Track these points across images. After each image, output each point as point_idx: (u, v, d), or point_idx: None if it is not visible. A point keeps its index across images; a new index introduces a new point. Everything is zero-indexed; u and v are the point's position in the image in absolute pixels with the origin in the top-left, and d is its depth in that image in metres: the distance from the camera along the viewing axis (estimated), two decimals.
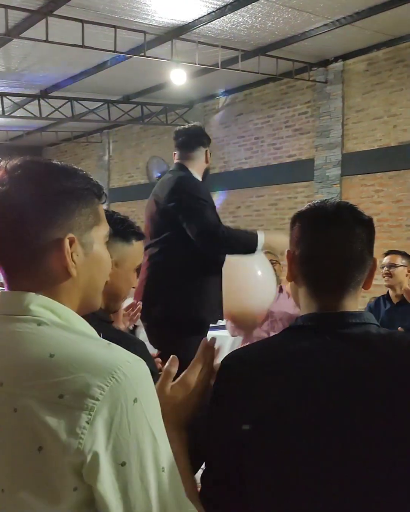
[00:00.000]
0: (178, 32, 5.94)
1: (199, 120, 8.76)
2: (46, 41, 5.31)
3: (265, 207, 7.94)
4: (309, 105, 7.52)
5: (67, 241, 0.75)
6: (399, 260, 3.43)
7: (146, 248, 2.32)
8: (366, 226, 0.99)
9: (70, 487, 0.66)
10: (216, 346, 0.96)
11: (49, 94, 8.28)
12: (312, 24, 5.90)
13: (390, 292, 3.49)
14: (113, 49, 5.70)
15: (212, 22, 5.69)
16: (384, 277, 3.42)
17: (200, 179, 2.58)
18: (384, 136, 6.65)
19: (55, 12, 5.24)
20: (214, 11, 5.48)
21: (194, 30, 5.89)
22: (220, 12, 5.45)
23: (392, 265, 3.40)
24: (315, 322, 0.95)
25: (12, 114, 8.69)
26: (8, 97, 8.20)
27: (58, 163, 0.79)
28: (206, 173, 2.64)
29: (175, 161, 2.57)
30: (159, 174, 2.67)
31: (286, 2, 5.28)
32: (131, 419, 0.67)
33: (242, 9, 5.37)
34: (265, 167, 7.96)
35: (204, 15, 5.58)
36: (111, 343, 0.74)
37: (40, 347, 0.70)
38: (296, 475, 0.85)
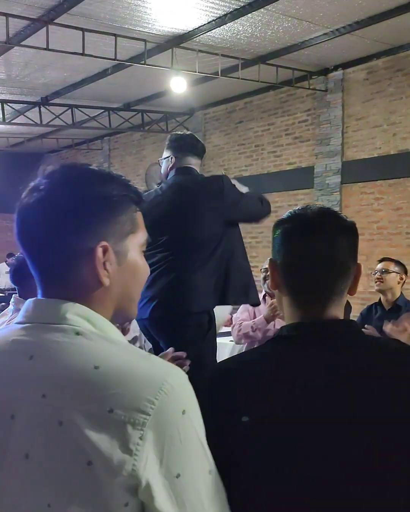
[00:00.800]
0: (178, 40, 5.98)
1: (200, 128, 8.80)
2: (47, 49, 5.34)
3: None
4: (309, 113, 7.55)
5: (100, 250, 0.73)
6: (392, 267, 3.49)
7: (155, 251, 2.19)
8: (348, 232, 0.97)
9: (122, 503, 0.65)
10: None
11: (50, 101, 8.31)
12: (312, 33, 5.93)
13: (382, 298, 3.54)
14: (113, 57, 5.73)
15: (212, 31, 5.72)
16: (376, 282, 3.47)
17: None
18: (383, 144, 6.66)
19: (56, 21, 5.27)
20: (214, 20, 5.51)
21: (194, 39, 5.92)
22: (220, 21, 5.48)
23: (385, 271, 3.45)
24: (298, 332, 0.93)
25: (13, 121, 8.73)
26: (9, 104, 8.23)
27: (96, 168, 0.77)
28: None
29: (181, 165, 2.41)
30: (160, 182, 2.54)
31: (286, 11, 5.30)
32: (181, 431, 0.66)
33: (242, 18, 5.40)
34: (265, 175, 7.97)
35: (204, 24, 5.61)
36: (149, 353, 0.73)
37: (83, 358, 0.68)
38: (282, 491, 0.84)
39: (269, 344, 0.97)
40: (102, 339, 0.71)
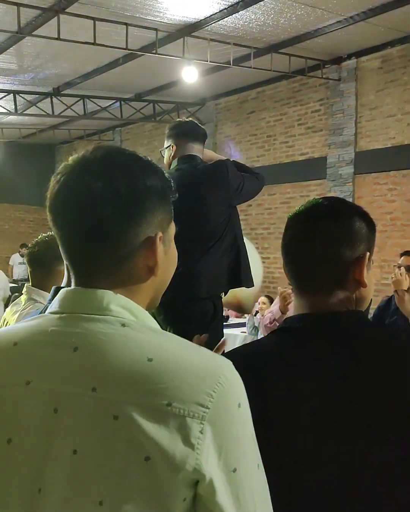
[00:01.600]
0: (190, 29, 5.93)
1: (211, 118, 8.75)
2: (58, 38, 5.33)
3: (277, 205, 7.90)
4: (322, 103, 7.47)
5: (158, 240, 0.73)
6: None
7: None
8: (348, 220, 0.95)
9: (180, 498, 0.63)
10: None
11: (62, 92, 8.31)
12: (325, 21, 5.85)
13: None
14: (125, 47, 5.70)
15: (223, 19, 5.67)
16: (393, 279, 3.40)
17: None
18: (397, 134, 6.58)
19: (67, 10, 5.25)
20: (225, 8, 5.46)
21: (206, 28, 5.87)
22: (232, 9, 5.42)
23: (409, 268, 3.38)
24: (303, 324, 0.93)
25: (25, 112, 8.74)
26: (21, 95, 8.25)
27: (142, 156, 0.75)
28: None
29: (183, 153, 2.35)
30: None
31: None
32: (238, 424, 0.65)
33: (254, 6, 5.34)
34: (277, 165, 7.93)
35: (216, 12, 5.56)
36: (197, 345, 0.71)
37: (134, 350, 0.66)
38: (287, 481, 0.84)
39: (273, 336, 0.96)
40: (149, 330, 0.69)
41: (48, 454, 0.66)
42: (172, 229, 0.78)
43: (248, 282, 2.36)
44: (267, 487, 0.69)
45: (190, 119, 2.54)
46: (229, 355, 0.95)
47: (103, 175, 0.70)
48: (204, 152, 2.44)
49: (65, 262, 0.75)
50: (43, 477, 0.66)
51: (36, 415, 0.67)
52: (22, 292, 2.06)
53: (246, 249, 2.39)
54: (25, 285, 2.06)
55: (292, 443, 0.84)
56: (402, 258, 3.48)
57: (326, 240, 0.93)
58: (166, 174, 0.76)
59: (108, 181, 0.70)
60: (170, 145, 2.39)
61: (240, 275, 2.32)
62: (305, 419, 0.85)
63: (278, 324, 3.36)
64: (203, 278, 2.24)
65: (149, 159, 0.76)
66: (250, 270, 2.37)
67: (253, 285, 2.40)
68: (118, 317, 0.69)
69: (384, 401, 0.87)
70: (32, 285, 2.02)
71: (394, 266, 3.53)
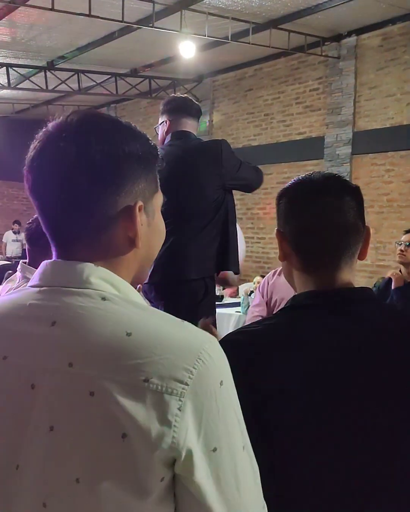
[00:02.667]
0: (188, 2, 5.79)
1: (208, 96, 8.63)
2: (52, 9, 5.19)
3: (273, 185, 7.84)
4: (320, 81, 7.36)
5: (137, 209, 0.69)
6: None
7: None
8: (355, 194, 0.96)
9: (158, 478, 0.61)
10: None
11: (56, 66, 8.14)
12: None
13: (403, 271, 3.47)
14: (121, 19, 5.57)
15: None
16: (398, 254, 3.40)
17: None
18: (396, 114, 6.51)
19: None
20: None
21: (204, 1, 5.74)
22: None
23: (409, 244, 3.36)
24: (312, 301, 0.91)
25: (18, 86, 8.58)
26: (14, 68, 8.07)
27: (123, 121, 0.72)
28: None
29: (176, 128, 2.32)
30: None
31: None
32: (219, 403, 0.63)
33: None
34: (274, 145, 7.85)
35: None
36: (181, 320, 0.68)
37: (113, 324, 0.63)
38: (303, 458, 0.83)
39: (281, 314, 0.94)
40: (130, 304, 0.67)
41: (26, 430, 0.64)
42: (157, 199, 0.74)
43: (235, 267, 2.37)
44: (255, 470, 0.67)
45: (185, 95, 2.50)
46: (238, 333, 0.94)
47: (79, 141, 0.67)
48: None
49: (45, 233, 0.72)
50: (20, 454, 0.64)
51: (13, 390, 0.65)
52: (17, 269, 2.03)
53: (236, 234, 2.37)
54: (20, 262, 2.03)
55: (298, 427, 0.83)
56: (405, 235, 3.46)
57: (346, 210, 0.93)
58: (151, 141, 0.72)
59: (83, 147, 0.66)
60: (164, 121, 2.36)
61: (228, 259, 2.31)
62: (323, 393, 0.84)
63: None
64: (193, 260, 2.22)
65: (132, 125, 0.72)
66: (238, 255, 2.36)
67: (239, 272, 2.40)
68: (98, 290, 0.67)
69: (401, 373, 0.87)
70: (29, 263, 1.98)
71: (395, 242, 3.51)
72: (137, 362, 0.61)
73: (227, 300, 6.15)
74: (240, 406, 0.67)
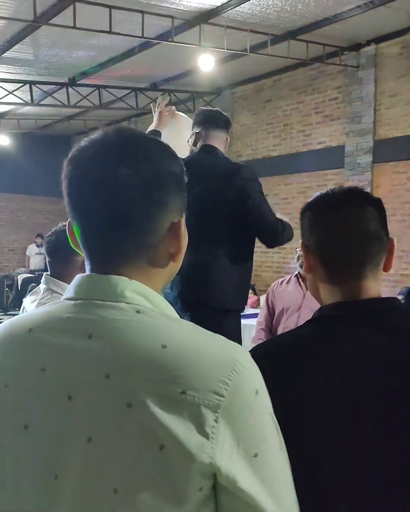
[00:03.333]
0: (206, 16, 5.86)
1: (227, 107, 8.68)
2: (74, 27, 5.30)
3: (293, 195, 7.83)
4: (340, 90, 7.35)
5: (183, 225, 0.72)
6: None
7: None
8: (377, 205, 0.98)
9: (196, 488, 0.62)
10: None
11: (77, 82, 8.30)
12: (344, 6, 5.73)
13: None
14: (141, 35, 5.66)
15: (240, 6, 5.58)
16: None
17: None
18: None
19: None
20: None
21: (222, 14, 5.80)
22: None
23: None
24: (339, 312, 0.91)
25: (41, 103, 8.75)
26: (37, 85, 8.25)
27: (161, 141, 0.75)
28: None
29: (204, 141, 2.36)
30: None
31: None
32: (256, 411, 0.64)
33: None
34: (293, 155, 7.84)
35: None
36: (212, 332, 0.69)
37: (148, 337, 0.64)
38: (331, 470, 0.83)
39: (309, 325, 0.94)
40: (164, 317, 0.68)
41: (63, 441, 0.65)
42: (184, 214, 0.77)
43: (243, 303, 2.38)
44: (289, 469, 0.68)
45: (216, 108, 2.57)
46: (264, 345, 0.94)
47: (128, 160, 0.68)
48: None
49: (82, 248, 0.73)
50: (58, 464, 0.65)
51: (51, 402, 0.66)
52: (41, 281, 2.06)
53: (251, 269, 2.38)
54: (44, 274, 2.06)
55: (328, 438, 0.83)
56: None
57: (369, 220, 0.94)
58: (180, 159, 0.75)
59: (134, 166, 0.68)
60: (193, 133, 2.41)
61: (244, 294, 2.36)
62: (350, 405, 0.83)
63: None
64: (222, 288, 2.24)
65: (165, 143, 0.74)
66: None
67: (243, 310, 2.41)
68: (132, 304, 0.68)
69: None
70: (51, 275, 2.01)
71: (404, 253, 3.46)
72: (174, 374, 0.62)
73: (249, 310, 6.13)
74: (273, 409, 0.68)
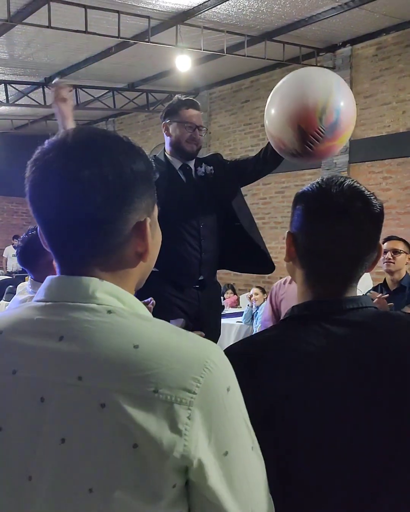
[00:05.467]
0: (183, 17, 5.86)
1: (205, 108, 8.68)
2: (49, 27, 5.25)
3: (272, 195, 7.87)
4: None
5: (148, 225, 0.71)
6: (401, 246, 3.44)
7: None
8: (377, 219, 0.92)
9: (170, 485, 0.63)
10: None
11: (54, 82, 8.21)
12: (320, 8, 5.79)
13: (387, 278, 3.50)
14: (117, 35, 5.63)
15: (217, 6, 5.60)
16: (385, 262, 3.42)
17: (171, 156, 2.40)
18: (392, 122, 6.55)
19: None
20: None
21: (199, 15, 5.80)
22: None
23: (395, 251, 3.40)
24: (312, 311, 0.91)
25: (17, 102, 8.64)
26: (12, 85, 8.14)
27: (124, 138, 0.73)
28: (178, 148, 2.38)
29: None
30: None
31: None
32: (227, 408, 0.65)
33: None
34: None
35: None
36: (184, 330, 0.70)
37: (120, 337, 0.65)
38: (305, 471, 0.83)
39: (283, 325, 0.94)
40: (135, 317, 0.68)
41: (37, 442, 0.65)
42: (156, 212, 0.76)
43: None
44: (263, 468, 0.69)
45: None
46: (237, 345, 0.94)
47: (89, 162, 0.67)
48: None
49: (50, 250, 0.73)
50: (33, 465, 0.66)
51: (23, 404, 0.66)
52: (27, 285, 2.04)
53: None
54: (30, 279, 2.04)
55: (304, 437, 0.83)
56: (386, 243, 3.50)
57: (363, 241, 0.91)
58: (148, 156, 0.74)
59: (95, 168, 0.67)
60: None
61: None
62: (321, 411, 0.84)
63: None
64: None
65: (131, 141, 0.73)
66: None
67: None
68: (104, 305, 0.68)
69: (401, 379, 0.87)
70: (35, 280, 1.99)
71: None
72: (146, 373, 0.62)
73: (229, 310, 6.14)
74: (245, 408, 0.68)
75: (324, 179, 0.94)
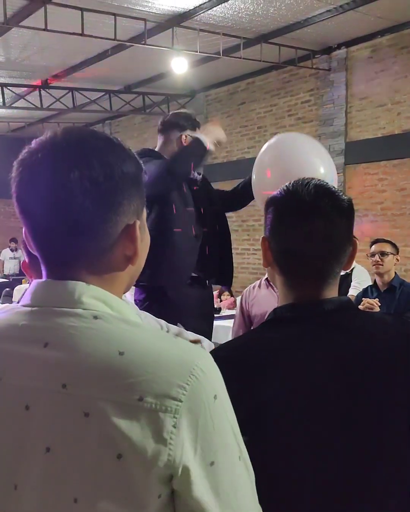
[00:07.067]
0: (179, 19, 5.88)
1: (201, 110, 8.71)
2: (46, 29, 5.26)
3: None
4: (312, 93, 7.44)
5: (137, 228, 0.70)
6: (388, 248, 3.48)
7: None
8: (346, 213, 0.92)
9: (155, 495, 0.61)
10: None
11: (50, 84, 8.22)
12: (315, 10, 5.81)
13: (377, 280, 3.53)
14: (113, 37, 5.64)
15: (213, 9, 5.62)
16: (374, 265, 3.46)
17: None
18: (388, 124, 6.57)
19: (54, 0, 5.18)
20: None
21: (195, 18, 5.82)
22: None
23: (383, 253, 3.44)
24: (294, 313, 0.91)
25: (13, 105, 8.64)
26: (9, 88, 8.15)
27: (114, 138, 0.71)
28: None
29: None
30: None
31: None
32: (214, 417, 0.63)
33: None
34: None
35: (205, 2, 5.50)
36: (174, 336, 0.69)
37: (105, 344, 0.63)
38: (293, 473, 0.83)
39: (265, 327, 0.94)
40: (122, 322, 0.66)
41: (22, 451, 0.64)
42: (144, 214, 0.75)
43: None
44: (251, 478, 0.67)
45: (173, 112, 2.62)
46: (218, 350, 0.93)
47: (79, 163, 0.65)
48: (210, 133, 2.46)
49: (36, 252, 0.71)
50: (18, 474, 0.65)
51: (8, 412, 0.66)
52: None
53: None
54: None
55: (290, 439, 0.83)
56: (373, 246, 3.54)
57: (335, 236, 0.91)
58: (137, 158, 0.73)
59: (83, 169, 0.65)
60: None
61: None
62: (306, 412, 0.83)
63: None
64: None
65: (121, 142, 0.72)
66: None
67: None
68: (90, 310, 0.66)
69: (384, 379, 0.87)
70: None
71: (367, 255, 3.54)
72: (131, 381, 0.61)
73: (225, 312, 6.14)
74: (235, 417, 0.67)
75: (292, 182, 0.94)
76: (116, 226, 0.68)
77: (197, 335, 1.76)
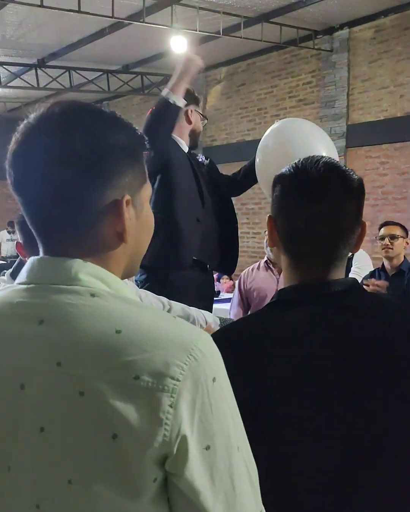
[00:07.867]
0: None
1: (201, 91, 8.58)
2: (41, 6, 5.14)
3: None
4: (313, 74, 7.33)
5: (124, 203, 0.67)
6: (398, 231, 3.41)
7: None
8: (356, 194, 0.90)
9: (151, 478, 0.60)
10: None
11: (47, 64, 8.08)
12: None
13: (386, 263, 3.48)
14: (111, 15, 5.52)
15: None
16: (383, 248, 3.39)
17: (183, 142, 2.41)
18: (390, 106, 6.49)
19: None
20: None
21: None
22: None
23: (393, 237, 3.37)
24: (300, 295, 0.89)
25: (9, 84, 8.51)
26: (4, 66, 8.01)
27: (107, 111, 0.69)
28: (193, 136, 2.46)
29: None
30: None
31: None
32: (212, 400, 0.61)
33: None
34: None
35: None
36: (173, 315, 0.67)
37: (102, 322, 0.62)
38: (297, 456, 0.82)
39: (271, 308, 0.92)
40: (120, 300, 0.65)
41: (16, 431, 0.63)
42: (146, 191, 0.72)
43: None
44: (251, 473, 0.65)
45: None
46: (221, 331, 0.91)
47: (62, 134, 0.65)
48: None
49: (31, 228, 0.70)
50: (12, 455, 0.63)
51: (3, 391, 0.64)
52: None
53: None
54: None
55: (295, 422, 0.81)
56: (382, 228, 3.47)
57: (343, 216, 0.88)
58: (138, 132, 0.70)
59: (67, 140, 0.64)
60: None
61: None
62: (312, 395, 0.82)
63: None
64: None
65: (116, 114, 0.69)
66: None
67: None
68: (87, 287, 0.65)
69: (393, 361, 0.85)
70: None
71: (377, 238, 3.48)
72: (127, 359, 0.59)
73: (224, 295, 6.13)
74: (236, 405, 0.65)
75: (301, 160, 0.91)
76: (102, 199, 0.66)
77: (202, 310, 1.73)
